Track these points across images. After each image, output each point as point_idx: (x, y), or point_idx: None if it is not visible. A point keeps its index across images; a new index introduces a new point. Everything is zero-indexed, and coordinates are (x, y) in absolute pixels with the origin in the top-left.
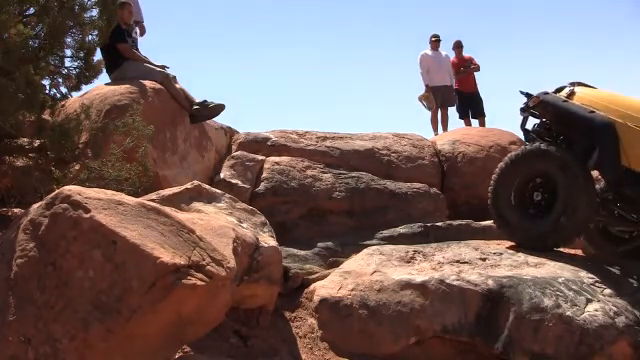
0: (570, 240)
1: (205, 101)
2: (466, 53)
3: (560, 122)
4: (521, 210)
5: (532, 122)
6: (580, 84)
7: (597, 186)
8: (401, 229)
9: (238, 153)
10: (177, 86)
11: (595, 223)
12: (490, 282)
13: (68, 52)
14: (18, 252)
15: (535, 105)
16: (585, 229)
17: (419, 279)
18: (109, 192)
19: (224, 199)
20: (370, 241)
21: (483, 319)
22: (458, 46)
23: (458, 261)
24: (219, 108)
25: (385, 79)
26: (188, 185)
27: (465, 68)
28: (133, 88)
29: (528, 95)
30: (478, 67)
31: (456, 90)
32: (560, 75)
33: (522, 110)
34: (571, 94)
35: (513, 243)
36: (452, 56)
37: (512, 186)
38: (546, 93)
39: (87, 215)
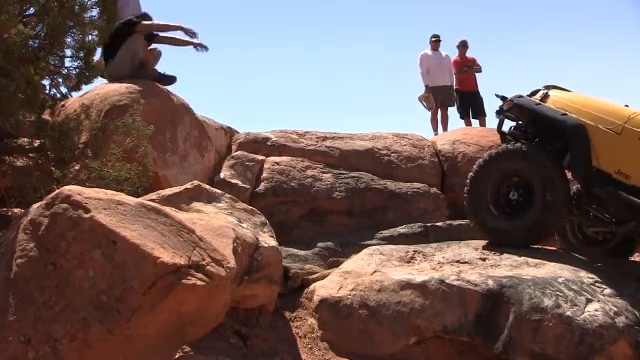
0: (545, 237)
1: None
2: (470, 54)
3: (534, 124)
4: (497, 209)
5: (509, 124)
6: (555, 87)
7: (573, 188)
8: (401, 229)
9: (238, 153)
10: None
11: (570, 224)
12: (490, 282)
13: (68, 52)
14: (18, 252)
15: (510, 108)
16: (560, 228)
17: (419, 279)
18: (109, 192)
19: (224, 199)
20: (370, 241)
21: (483, 319)
22: (463, 45)
23: (458, 261)
24: (171, 79)
25: (385, 79)
26: (188, 185)
27: (468, 68)
28: (133, 88)
29: (503, 98)
30: (480, 68)
31: (456, 90)
32: (560, 75)
33: (497, 113)
34: (545, 97)
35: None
36: (452, 56)
37: (489, 185)
38: (520, 96)
39: (87, 215)
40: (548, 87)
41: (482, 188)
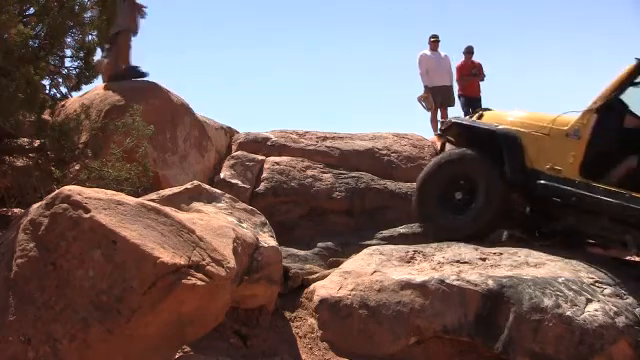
0: (488, 232)
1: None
2: (475, 59)
3: (471, 139)
4: (444, 208)
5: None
6: (488, 109)
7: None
8: (401, 229)
9: (238, 153)
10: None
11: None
12: (490, 282)
13: (68, 52)
14: (18, 252)
15: (448, 127)
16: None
17: (419, 279)
18: (109, 192)
19: (224, 199)
20: (370, 241)
21: (483, 319)
22: (469, 52)
23: (458, 261)
24: (141, 74)
25: (385, 79)
26: (188, 185)
27: (473, 76)
28: (133, 88)
29: (442, 123)
30: (483, 77)
31: (460, 95)
32: (561, 75)
33: (440, 136)
34: (480, 117)
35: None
36: (451, 56)
37: (437, 188)
38: (457, 118)
39: (87, 215)
40: (483, 109)
41: (432, 190)
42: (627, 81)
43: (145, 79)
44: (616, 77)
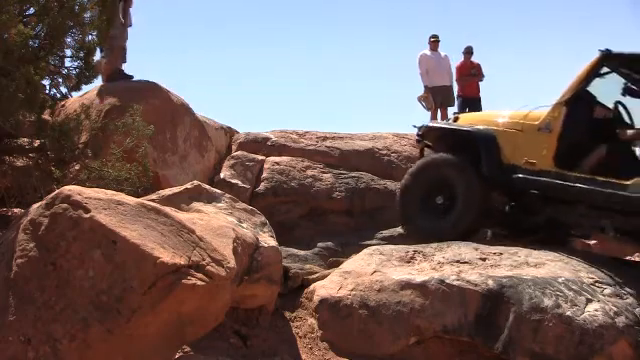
0: (469, 234)
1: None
2: (473, 58)
3: (447, 141)
4: (426, 212)
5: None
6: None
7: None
8: (401, 229)
9: (238, 153)
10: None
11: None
12: (490, 282)
13: (68, 52)
14: (18, 252)
15: (425, 132)
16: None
17: (419, 279)
18: (109, 192)
19: (224, 199)
20: (370, 241)
21: (483, 319)
22: (468, 52)
23: (458, 261)
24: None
25: (385, 79)
26: (188, 185)
27: (472, 76)
28: (133, 88)
29: (419, 127)
30: (482, 77)
31: (459, 95)
32: (561, 78)
33: (417, 141)
34: (455, 119)
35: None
36: (451, 56)
37: (419, 192)
38: (432, 122)
39: (87, 215)
40: (455, 114)
41: (414, 194)
42: (592, 73)
43: (145, 79)
44: (582, 70)
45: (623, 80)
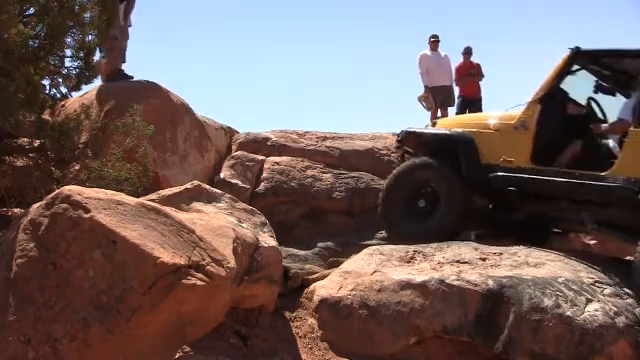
0: (452, 236)
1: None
2: (472, 58)
3: (427, 145)
4: (409, 216)
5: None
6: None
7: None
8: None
9: (238, 153)
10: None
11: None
12: (490, 282)
13: (68, 52)
14: (18, 252)
15: (404, 137)
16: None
17: (419, 279)
18: (109, 192)
19: (224, 199)
20: (370, 241)
21: (483, 319)
22: (467, 52)
23: (458, 261)
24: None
25: (385, 79)
26: (188, 185)
27: (471, 76)
28: (133, 88)
29: (398, 134)
30: (482, 77)
31: (459, 95)
32: None
33: (397, 148)
34: (433, 124)
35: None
36: (451, 56)
37: (401, 196)
38: (411, 127)
39: (87, 215)
40: (433, 121)
41: (397, 198)
42: (564, 70)
43: (145, 79)
44: (554, 67)
45: (594, 77)
